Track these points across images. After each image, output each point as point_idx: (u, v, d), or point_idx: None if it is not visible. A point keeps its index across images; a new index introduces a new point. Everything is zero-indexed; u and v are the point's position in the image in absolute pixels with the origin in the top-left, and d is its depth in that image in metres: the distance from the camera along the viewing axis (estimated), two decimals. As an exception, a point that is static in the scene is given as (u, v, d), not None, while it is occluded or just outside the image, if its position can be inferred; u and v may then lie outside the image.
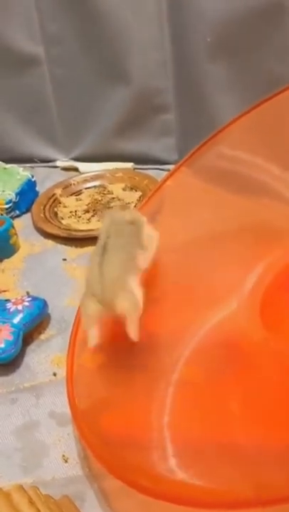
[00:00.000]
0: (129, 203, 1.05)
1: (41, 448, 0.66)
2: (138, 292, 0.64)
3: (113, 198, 1.08)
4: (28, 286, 0.90)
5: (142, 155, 1.16)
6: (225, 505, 0.50)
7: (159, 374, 0.66)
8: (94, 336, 0.64)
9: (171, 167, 0.92)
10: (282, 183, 0.80)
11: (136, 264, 0.67)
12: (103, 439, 0.61)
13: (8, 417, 0.71)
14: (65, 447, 0.66)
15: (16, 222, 1.03)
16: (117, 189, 1.11)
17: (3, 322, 0.78)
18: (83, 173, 1.17)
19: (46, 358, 0.78)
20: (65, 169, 1.21)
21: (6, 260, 0.97)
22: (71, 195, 1.11)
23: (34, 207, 1.07)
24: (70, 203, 1.09)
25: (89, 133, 1.18)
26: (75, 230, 1.00)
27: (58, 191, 1.11)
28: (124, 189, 1.11)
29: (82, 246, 0.96)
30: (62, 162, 1.22)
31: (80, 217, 1.05)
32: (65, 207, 1.08)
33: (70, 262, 0.94)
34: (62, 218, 1.05)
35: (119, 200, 1.07)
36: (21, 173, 1.11)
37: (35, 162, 1.22)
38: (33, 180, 1.11)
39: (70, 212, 1.06)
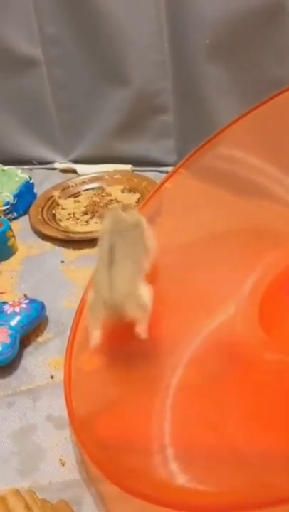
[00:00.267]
0: (129, 204, 1.05)
1: (38, 452, 0.66)
2: (147, 295, 0.64)
3: (111, 200, 1.08)
4: (25, 289, 0.89)
5: (140, 157, 1.16)
6: (225, 510, 0.50)
7: (158, 377, 0.65)
8: (97, 337, 0.64)
9: (170, 169, 0.92)
10: (281, 184, 0.80)
11: (142, 267, 0.67)
12: (101, 443, 0.60)
13: (5, 421, 0.70)
14: (62, 451, 0.65)
15: (14, 224, 1.03)
16: (115, 191, 1.10)
17: (1, 324, 0.78)
18: (81, 175, 1.16)
19: (44, 361, 0.77)
20: (64, 171, 1.20)
21: (3, 262, 0.96)
22: (69, 197, 1.11)
23: (32, 209, 1.07)
24: (68, 205, 1.09)
25: (87, 134, 1.18)
26: (73, 232, 1.00)
27: (56, 193, 1.11)
28: (122, 191, 1.10)
29: (80, 248, 0.95)
30: (60, 164, 1.21)
31: (78, 219, 1.04)
32: (63, 209, 1.08)
33: (68, 264, 0.94)
34: (61, 220, 1.05)
35: (117, 202, 1.07)
36: (19, 175, 1.11)
37: (34, 164, 1.21)
38: (31, 182, 1.11)
39: (68, 214, 1.06)
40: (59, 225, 1.03)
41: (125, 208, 0.73)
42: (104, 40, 1.06)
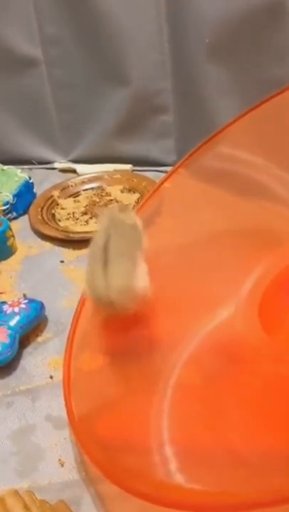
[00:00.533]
0: (127, 205, 1.05)
1: (37, 452, 0.66)
2: (145, 284, 0.64)
3: (111, 200, 1.08)
4: (25, 289, 0.89)
5: (140, 157, 1.15)
6: (224, 509, 0.50)
7: (157, 377, 0.65)
8: None
9: (169, 169, 0.92)
10: (281, 184, 0.80)
11: (138, 262, 0.66)
12: (100, 443, 0.60)
13: (4, 421, 0.70)
14: (61, 451, 0.65)
15: (13, 224, 1.03)
16: (115, 191, 1.10)
17: (0, 324, 0.77)
18: (81, 175, 1.16)
19: (43, 361, 0.77)
20: (63, 171, 1.20)
21: (3, 262, 0.96)
22: (69, 196, 1.11)
23: (31, 209, 1.07)
24: (67, 204, 1.09)
25: (87, 134, 1.17)
26: (73, 232, 0.99)
27: (56, 193, 1.11)
28: (122, 191, 1.10)
29: (79, 248, 0.95)
30: (60, 164, 1.21)
31: (77, 219, 1.04)
32: (62, 209, 1.08)
33: (67, 264, 0.94)
34: (60, 220, 1.04)
35: (117, 202, 1.07)
36: (19, 174, 1.11)
37: (33, 164, 1.21)
38: (30, 181, 1.11)
39: (68, 214, 1.06)
40: (58, 225, 1.02)
41: (122, 208, 0.73)
42: (104, 40, 1.05)
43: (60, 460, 0.64)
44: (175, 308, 0.71)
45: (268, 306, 0.70)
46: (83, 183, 1.14)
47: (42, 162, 1.22)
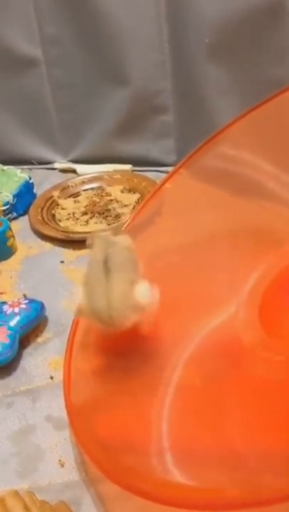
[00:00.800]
0: (127, 205, 1.05)
1: (37, 452, 0.66)
2: (146, 296, 0.64)
3: (111, 200, 1.08)
4: (25, 289, 0.89)
5: (140, 157, 1.15)
6: (223, 508, 0.50)
7: (158, 378, 0.65)
8: None
9: (169, 169, 0.92)
10: (281, 184, 0.80)
11: (137, 276, 0.65)
12: (100, 443, 0.60)
13: (4, 421, 0.70)
14: (61, 452, 0.65)
15: (14, 224, 1.03)
16: (115, 191, 1.10)
17: (0, 325, 0.77)
18: (81, 175, 1.16)
19: (43, 361, 0.77)
20: (63, 171, 1.20)
21: (3, 262, 0.96)
22: (69, 197, 1.11)
23: (32, 209, 1.07)
24: (67, 205, 1.09)
25: (87, 134, 1.17)
26: (73, 232, 0.99)
27: (56, 193, 1.11)
28: (122, 191, 1.10)
29: (80, 248, 0.95)
30: (60, 164, 1.21)
31: (77, 219, 1.04)
32: (62, 209, 1.08)
33: (67, 264, 0.94)
34: (60, 220, 1.04)
35: (117, 202, 1.07)
36: (19, 174, 1.11)
37: (33, 164, 1.21)
38: (30, 182, 1.11)
39: (68, 214, 1.06)
40: (59, 225, 1.02)
41: (116, 232, 0.73)
42: (104, 40, 1.05)
43: (60, 460, 0.64)
44: (175, 308, 0.71)
45: (268, 306, 0.70)
46: (83, 183, 1.14)
47: (42, 162, 1.22)
